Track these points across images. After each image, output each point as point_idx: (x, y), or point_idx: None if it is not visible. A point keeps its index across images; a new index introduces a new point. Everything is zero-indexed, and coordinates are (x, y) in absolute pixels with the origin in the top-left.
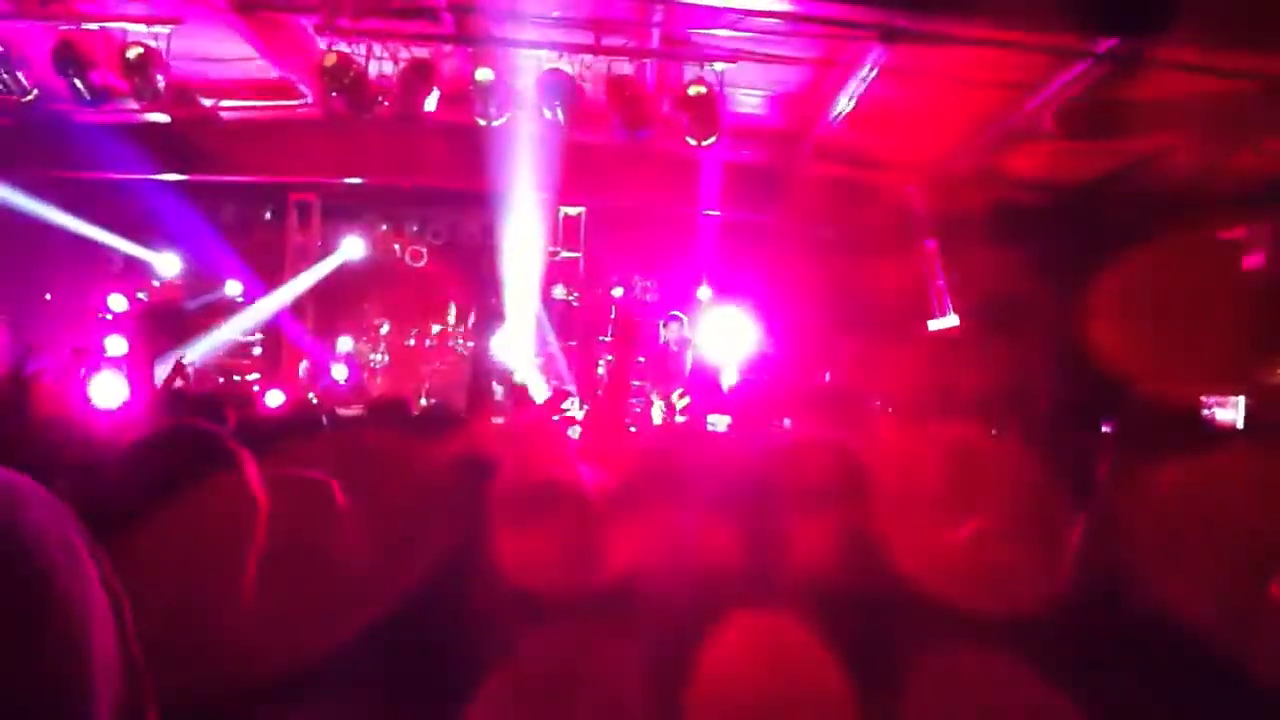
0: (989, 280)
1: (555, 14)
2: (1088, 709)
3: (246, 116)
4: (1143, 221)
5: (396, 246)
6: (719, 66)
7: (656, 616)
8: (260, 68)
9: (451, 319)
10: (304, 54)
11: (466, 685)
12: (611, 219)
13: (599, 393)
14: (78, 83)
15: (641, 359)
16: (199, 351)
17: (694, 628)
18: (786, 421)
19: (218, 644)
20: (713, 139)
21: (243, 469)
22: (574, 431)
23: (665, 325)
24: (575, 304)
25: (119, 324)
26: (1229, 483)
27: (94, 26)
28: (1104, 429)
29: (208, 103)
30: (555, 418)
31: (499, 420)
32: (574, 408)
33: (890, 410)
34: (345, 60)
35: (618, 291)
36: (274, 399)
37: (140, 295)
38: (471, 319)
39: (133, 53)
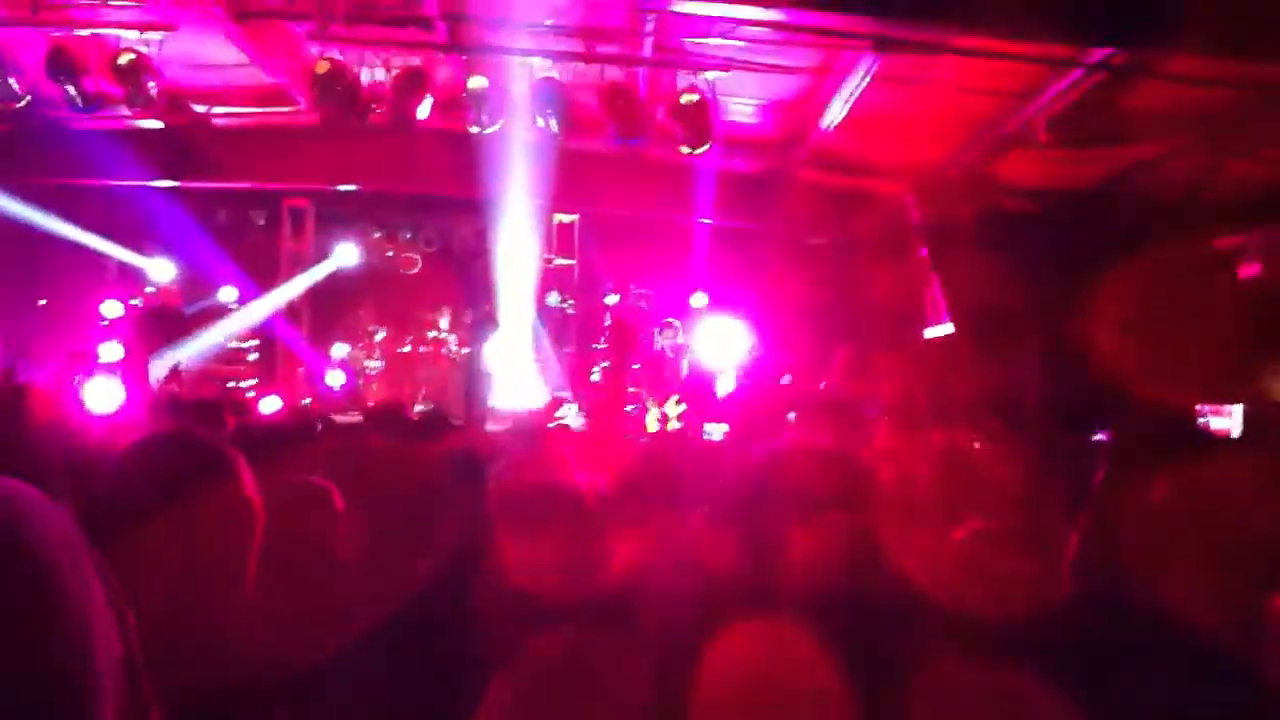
0: (983, 287)
1: (548, 22)
2: (1086, 714)
3: (239, 123)
4: (1138, 230)
5: (390, 253)
6: (712, 75)
7: (656, 621)
8: (253, 74)
9: (446, 325)
10: (297, 61)
11: (466, 689)
12: (606, 226)
13: (595, 399)
14: (70, 89)
15: (636, 365)
16: (193, 356)
17: (693, 633)
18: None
19: (215, 647)
20: (706, 147)
21: (238, 474)
22: (570, 437)
23: (660, 332)
24: (570, 311)
25: (114, 330)
26: (1225, 491)
27: (87, 33)
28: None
29: (201, 109)
30: (551, 424)
31: (494, 426)
32: (570, 414)
33: (885, 417)
34: (338, 67)
35: (612, 299)
36: (270, 405)
37: (135, 301)
38: (466, 325)
39: (124, 59)
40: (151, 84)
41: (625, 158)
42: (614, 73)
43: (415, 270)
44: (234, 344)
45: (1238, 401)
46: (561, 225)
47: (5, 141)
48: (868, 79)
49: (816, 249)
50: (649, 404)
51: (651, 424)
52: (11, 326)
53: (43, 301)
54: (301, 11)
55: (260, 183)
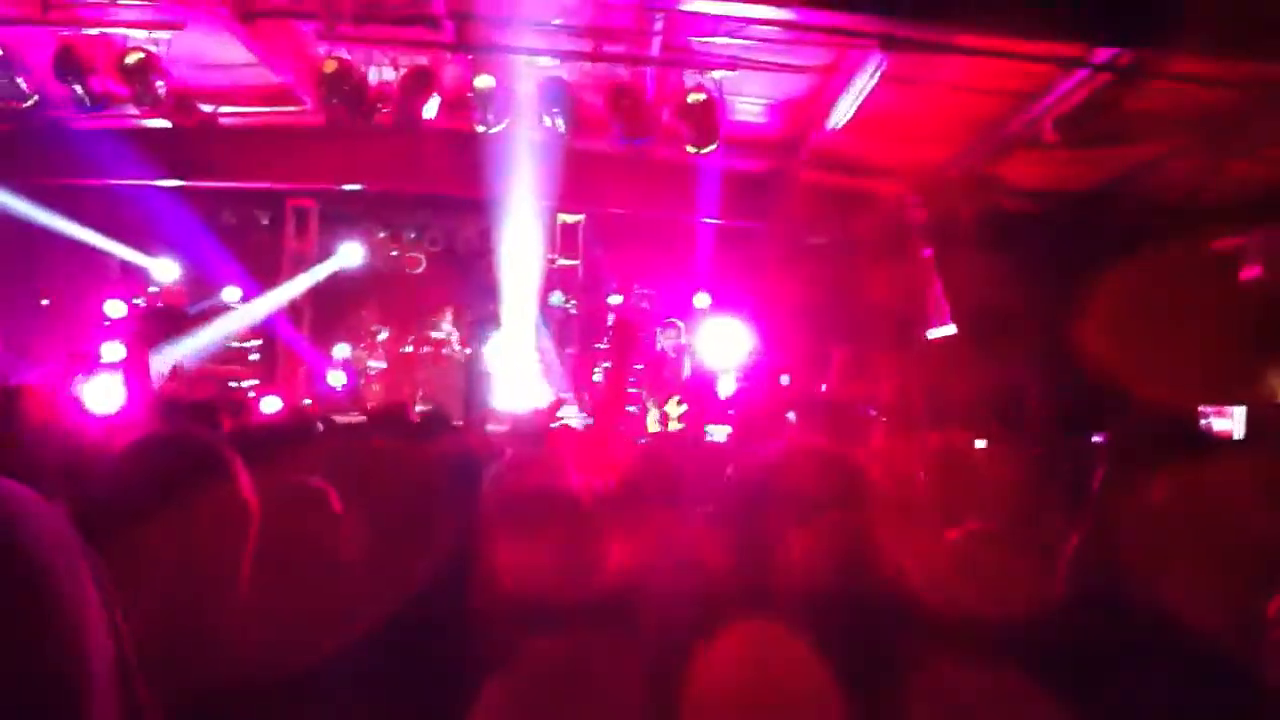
0: (986, 289)
1: (555, 21)
2: (1084, 715)
3: (246, 122)
4: (1139, 231)
5: (394, 253)
6: (718, 74)
7: (655, 622)
8: (260, 74)
9: (448, 325)
10: (304, 60)
11: (463, 690)
12: (610, 226)
13: (597, 399)
14: (78, 88)
15: (639, 366)
16: (193, 354)
17: (691, 633)
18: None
19: (211, 648)
20: (712, 147)
21: (235, 475)
22: (571, 437)
23: (662, 332)
24: (573, 311)
25: (117, 329)
26: (1225, 493)
27: (94, 32)
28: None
29: (207, 108)
30: (553, 424)
31: (495, 426)
32: (571, 414)
33: (885, 418)
34: (345, 67)
35: (615, 299)
36: (270, 405)
37: (138, 300)
38: (469, 325)
39: (132, 58)
40: (159, 83)
41: (630, 158)
42: (621, 72)
43: (419, 270)
44: (235, 344)
45: (1239, 403)
46: (565, 225)
47: (11, 141)
48: (875, 79)
49: (819, 249)
50: (650, 404)
51: (653, 424)
52: (14, 326)
53: (46, 301)
54: (308, 11)
55: (265, 182)
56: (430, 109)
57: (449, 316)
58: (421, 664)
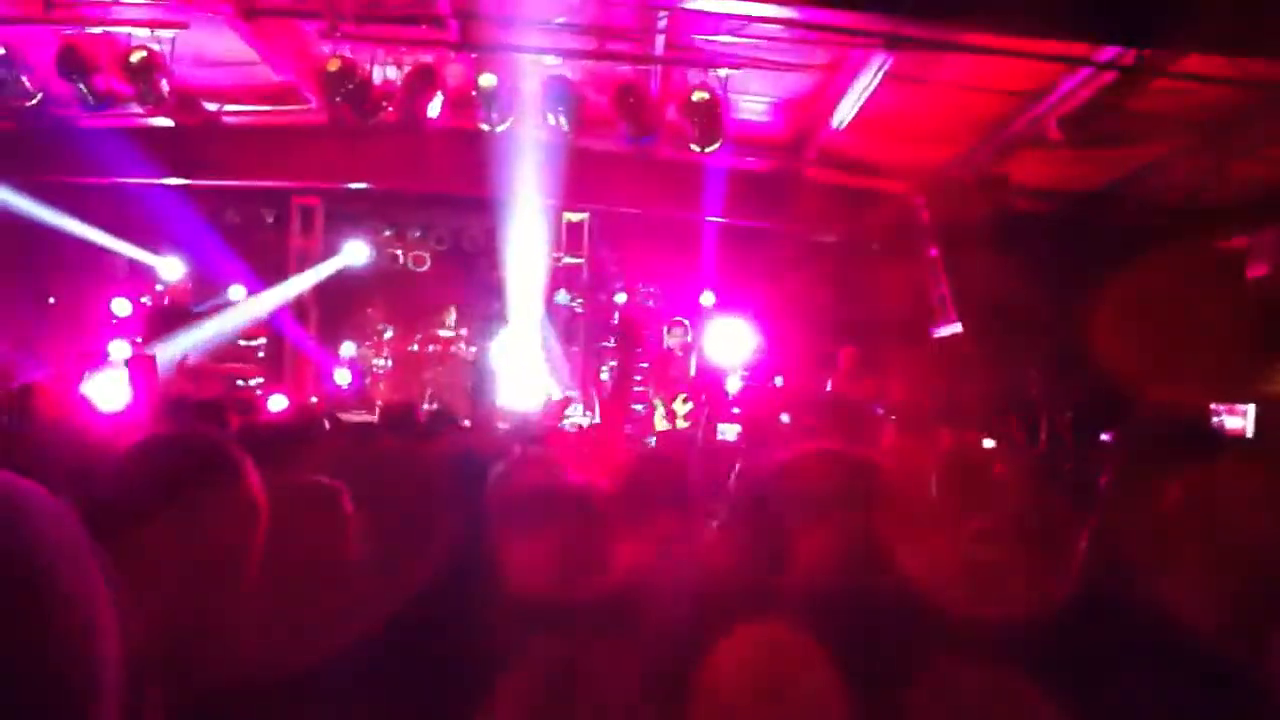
0: (992, 288)
1: (559, 20)
2: (1093, 718)
3: (250, 121)
4: (1146, 230)
5: (399, 251)
6: (723, 73)
7: (662, 622)
8: (264, 73)
9: (454, 324)
10: (307, 59)
11: (470, 690)
12: (615, 225)
13: (602, 398)
14: (82, 87)
15: (644, 364)
16: (200, 351)
17: (698, 635)
18: (784, 417)
19: (218, 647)
20: (716, 145)
21: (243, 474)
22: (577, 436)
23: (668, 330)
24: (579, 309)
25: (124, 328)
26: (1237, 491)
27: (98, 31)
28: (1105, 437)
29: (211, 107)
30: (559, 423)
31: (502, 424)
32: (577, 413)
33: (893, 417)
34: (349, 65)
35: (621, 297)
36: (277, 403)
37: (145, 299)
38: (474, 324)
39: (136, 57)
40: (163, 82)
41: (635, 156)
42: (625, 70)
43: (424, 269)
44: (242, 342)
45: (1247, 401)
46: (571, 224)
47: (16, 139)
48: (879, 77)
49: (825, 248)
50: (656, 402)
51: (659, 422)
52: (21, 324)
53: (53, 300)
54: (312, 9)
55: (270, 181)
56: (434, 108)
57: (454, 315)
58: (427, 664)
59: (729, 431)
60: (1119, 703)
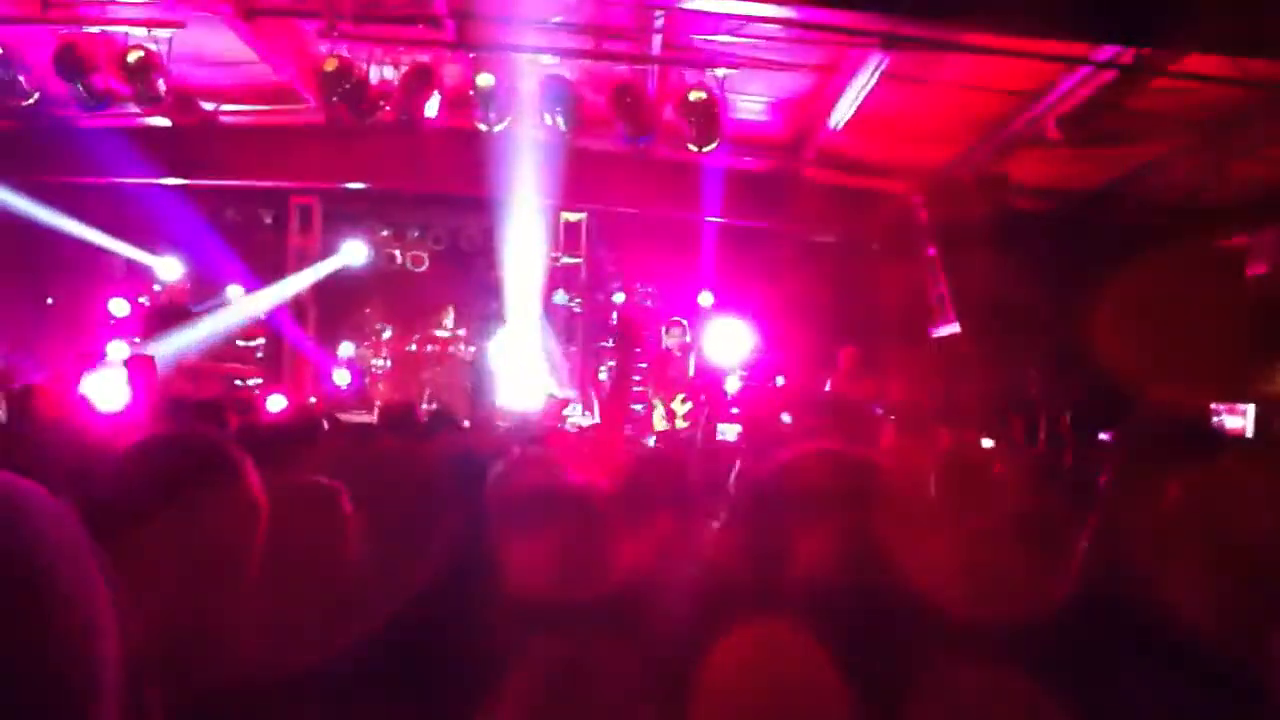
0: (991, 287)
1: (556, 19)
2: (1094, 718)
3: (248, 121)
4: (1146, 229)
5: (398, 251)
6: (720, 72)
7: (662, 623)
8: (261, 72)
9: (452, 324)
10: (305, 59)
11: (470, 690)
12: (613, 224)
13: (601, 398)
14: (79, 87)
15: (643, 364)
16: (198, 351)
17: (699, 635)
18: (785, 417)
19: (217, 648)
20: (714, 145)
21: (243, 474)
22: (576, 436)
23: (667, 330)
24: (577, 309)
25: (122, 328)
26: (1237, 491)
27: (95, 30)
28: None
29: (209, 107)
30: (558, 423)
31: (501, 425)
32: (577, 413)
33: (892, 417)
34: (346, 65)
35: (619, 297)
36: (276, 404)
37: (142, 299)
38: (473, 324)
39: (133, 56)
40: (160, 82)
41: (633, 156)
42: (622, 70)
43: (423, 269)
44: (241, 342)
45: (1247, 400)
46: (569, 223)
47: (13, 140)
48: (876, 77)
49: (824, 248)
50: (656, 402)
51: (659, 422)
52: (19, 325)
53: (50, 300)
54: (310, 9)
55: (268, 181)
56: (431, 107)
57: (453, 315)
58: (427, 664)
59: (729, 431)
60: (1119, 702)
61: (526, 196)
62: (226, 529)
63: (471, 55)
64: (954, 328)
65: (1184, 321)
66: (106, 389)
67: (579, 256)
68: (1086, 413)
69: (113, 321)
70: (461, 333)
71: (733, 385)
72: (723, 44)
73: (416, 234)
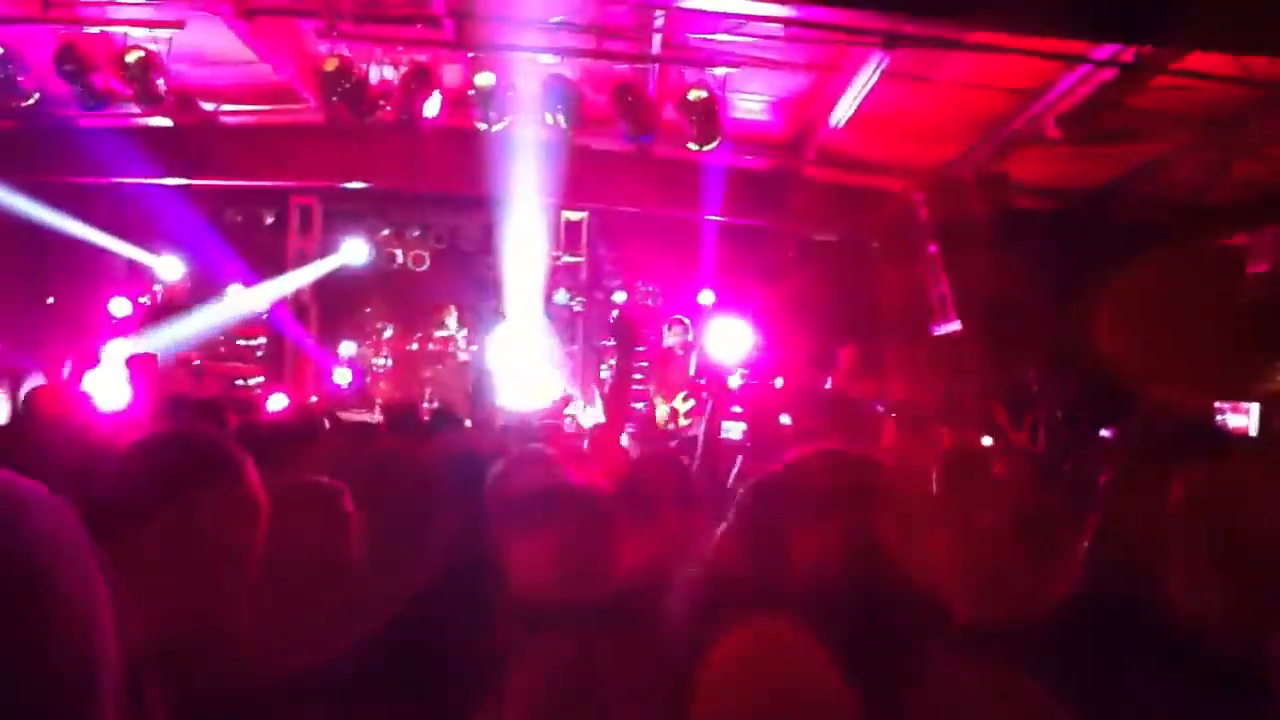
0: (992, 286)
1: (556, 19)
2: (1096, 717)
3: (248, 121)
4: (1147, 228)
5: (398, 251)
6: (720, 71)
7: (664, 622)
8: (261, 72)
9: (453, 323)
10: (305, 58)
11: (470, 690)
12: (614, 223)
13: (603, 396)
14: (79, 87)
15: (644, 363)
16: (199, 350)
17: (701, 635)
18: (785, 419)
19: (218, 647)
20: (714, 144)
21: (243, 473)
22: (577, 435)
23: (668, 329)
24: (578, 308)
25: (122, 327)
26: (1240, 490)
27: (95, 30)
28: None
29: (209, 107)
30: (559, 422)
31: (503, 424)
32: (577, 412)
33: (893, 416)
34: (346, 65)
35: (620, 296)
36: (277, 403)
37: (143, 299)
38: (473, 323)
39: (133, 57)
40: (160, 82)
41: (634, 155)
42: (623, 69)
43: (423, 268)
44: (242, 341)
45: (1251, 399)
46: (569, 223)
47: (14, 140)
48: (876, 76)
49: (825, 247)
50: (657, 401)
51: (660, 420)
52: (20, 324)
53: (51, 300)
54: (310, 9)
55: (268, 180)
56: (431, 107)
57: (453, 314)
58: (427, 664)
59: (734, 430)
60: (1120, 702)
61: (527, 196)
62: (227, 528)
63: (471, 55)
64: (955, 326)
65: (1184, 320)
66: (107, 388)
67: (580, 255)
68: (1088, 411)
69: (113, 321)
70: (463, 332)
71: (734, 383)
72: (723, 43)
73: (417, 233)
